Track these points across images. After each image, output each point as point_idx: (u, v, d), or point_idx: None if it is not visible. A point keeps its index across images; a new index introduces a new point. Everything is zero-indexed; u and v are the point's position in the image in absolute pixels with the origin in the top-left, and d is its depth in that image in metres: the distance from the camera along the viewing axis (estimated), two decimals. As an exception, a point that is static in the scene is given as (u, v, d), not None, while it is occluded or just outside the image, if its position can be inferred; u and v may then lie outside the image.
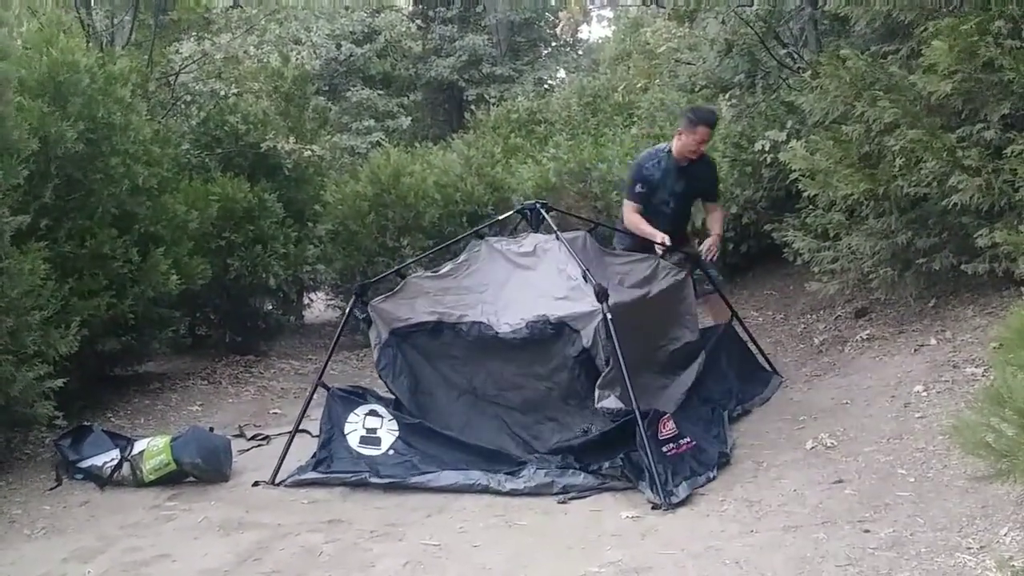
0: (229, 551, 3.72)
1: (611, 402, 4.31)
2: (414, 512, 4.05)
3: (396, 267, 5.67)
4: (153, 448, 4.70)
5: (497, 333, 4.67)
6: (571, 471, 4.20)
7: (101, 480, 4.72)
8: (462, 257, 5.12)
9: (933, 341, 5.21)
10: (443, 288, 4.98)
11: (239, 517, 4.15)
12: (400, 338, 4.92)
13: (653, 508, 3.81)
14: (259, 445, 5.32)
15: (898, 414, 4.45)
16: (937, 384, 4.64)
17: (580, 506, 3.92)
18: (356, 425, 4.67)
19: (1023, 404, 2.38)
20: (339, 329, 5.34)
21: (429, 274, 5.13)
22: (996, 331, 2.75)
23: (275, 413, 6.22)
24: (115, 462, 4.73)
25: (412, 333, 4.91)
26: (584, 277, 4.57)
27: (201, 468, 4.69)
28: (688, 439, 4.28)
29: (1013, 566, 2.72)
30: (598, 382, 4.34)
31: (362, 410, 4.74)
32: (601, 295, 4.40)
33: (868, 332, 5.83)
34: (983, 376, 4.46)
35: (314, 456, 4.67)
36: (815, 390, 5.31)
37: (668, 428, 4.24)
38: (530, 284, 4.82)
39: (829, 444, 4.27)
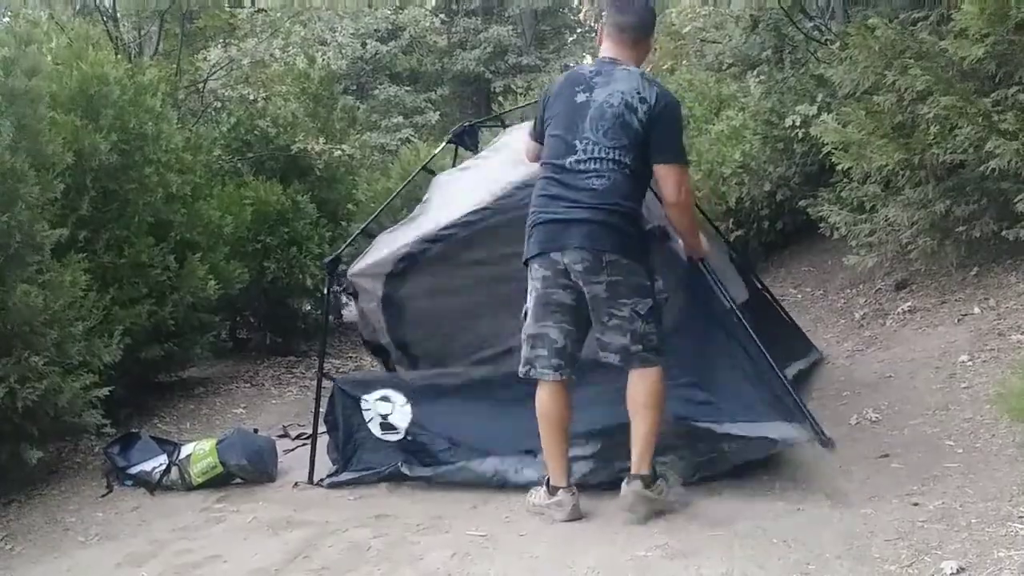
0: (278, 550, 3.75)
1: None
2: (459, 504, 4.06)
3: (360, 228, 5.45)
4: (200, 452, 4.76)
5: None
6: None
7: (151, 485, 4.78)
8: (424, 197, 4.90)
9: (976, 310, 5.13)
10: (415, 226, 4.75)
11: (287, 516, 4.18)
12: (397, 281, 4.74)
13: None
14: (304, 445, 5.35)
15: (943, 385, 4.39)
16: (982, 353, 4.57)
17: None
18: (372, 413, 4.51)
19: (1070, 369, 2.34)
20: (325, 313, 5.24)
21: (399, 223, 4.93)
22: (1040, 296, 2.70)
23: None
24: (163, 467, 4.79)
25: (403, 272, 4.71)
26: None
27: (247, 469, 4.74)
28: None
29: (1067, 534, 2.68)
30: None
31: (372, 396, 4.53)
32: None
33: (909, 304, 5.75)
34: (1029, 343, 4.39)
35: (341, 454, 4.59)
36: (857, 365, 5.25)
37: None
38: (491, 171, 4.59)
39: (874, 418, 4.23)
